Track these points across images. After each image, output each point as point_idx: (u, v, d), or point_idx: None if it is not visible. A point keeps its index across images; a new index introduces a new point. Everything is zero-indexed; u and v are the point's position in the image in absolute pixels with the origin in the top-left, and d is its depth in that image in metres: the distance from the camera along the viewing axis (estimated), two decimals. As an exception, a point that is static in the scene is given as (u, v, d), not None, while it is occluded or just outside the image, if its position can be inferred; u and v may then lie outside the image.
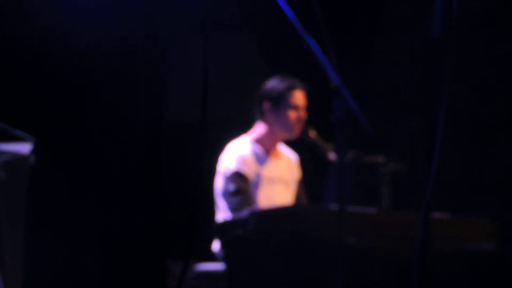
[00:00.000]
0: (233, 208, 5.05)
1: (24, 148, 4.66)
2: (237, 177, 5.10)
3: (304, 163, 5.43)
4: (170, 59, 6.56)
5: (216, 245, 5.14)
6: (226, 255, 4.61)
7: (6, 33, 5.90)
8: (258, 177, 5.17)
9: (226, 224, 4.67)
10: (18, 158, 4.61)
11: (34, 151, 4.65)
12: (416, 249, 3.37)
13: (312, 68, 3.81)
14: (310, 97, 5.25)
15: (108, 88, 6.32)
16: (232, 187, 5.09)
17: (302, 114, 5.22)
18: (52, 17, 6.01)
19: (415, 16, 6.67)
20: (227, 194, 5.11)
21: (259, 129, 5.28)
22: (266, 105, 5.25)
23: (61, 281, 6.01)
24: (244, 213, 4.54)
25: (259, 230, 4.35)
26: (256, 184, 5.16)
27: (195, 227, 6.09)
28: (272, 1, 3.77)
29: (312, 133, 5.16)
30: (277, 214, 4.49)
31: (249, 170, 5.14)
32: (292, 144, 5.38)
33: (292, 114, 5.20)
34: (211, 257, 5.18)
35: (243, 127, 5.34)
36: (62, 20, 6.03)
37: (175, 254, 6.10)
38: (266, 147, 5.26)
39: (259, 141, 5.26)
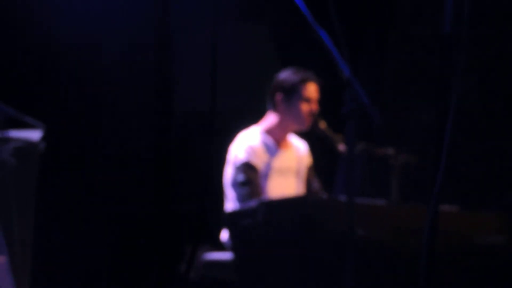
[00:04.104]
0: (242, 198, 5.06)
1: (34, 135, 4.67)
2: (247, 168, 5.11)
3: (314, 155, 5.44)
4: (181, 49, 6.55)
5: (225, 235, 5.15)
6: (235, 245, 4.62)
7: (26, 33, 5.92)
8: (268, 167, 5.18)
9: (235, 214, 4.68)
10: (28, 145, 4.62)
11: (44, 138, 4.66)
12: (425, 241, 3.38)
13: (323, 60, 3.80)
14: (320, 89, 5.26)
15: (120, 80, 6.33)
16: (241, 177, 5.10)
17: (314, 107, 5.23)
18: (70, 12, 6.03)
19: (429, 8, 6.66)
20: (236, 184, 5.12)
21: (270, 119, 5.29)
22: (279, 96, 5.25)
23: (70, 271, 6.03)
24: (253, 203, 4.54)
25: (267, 220, 4.36)
26: (266, 175, 5.17)
27: (205, 216, 6.11)
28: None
29: (322, 125, 5.16)
30: (286, 204, 4.50)
31: (259, 161, 5.15)
32: (302, 135, 5.39)
33: (304, 107, 5.20)
34: (220, 247, 5.19)
35: (254, 118, 5.35)
36: (77, 16, 6.04)
37: (184, 243, 6.11)
38: (276, 138, 5.26)
39: (269, 131, 5.26)
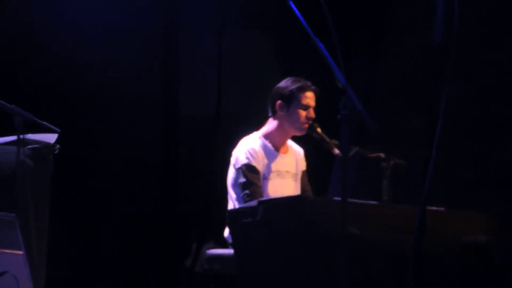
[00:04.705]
0: (243, 199, 5.07)
1: (50, 138, 4.69)
2: (248, 170, 5.11)
3: (311, 158, 5.44)
4: (187, 57, 6.56)
5: (227, 232, 5.16)
6: (236, 241, 4.63)
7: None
8: (268, 170, 5.18)
9: (236, 212, 4.68)
10: (44, 147, 4.64)
11: (59, 141, 4.68)
12: (414, 239, 3.40)
13: (321, 69, 3.82)
14: (317, 97, 5.26)
15: (130, 87, 6.34)
16: (242, 179, 5.11)
17: (312, 114, 5.23)
18: (85, 28, 6.06)
19: (419, 20, 6.67)
20: (238, 186, 5.13)
21: (270, 125, 5.30)
22: (278, 104, 5.25)
23: (82, 265, 6.03)
24: (253, 203, 4.54)
25: (266, 219, 4.35)
26: (265, 177, 5.17)
27: (209, 215, 6.11)
28: (286, 6, 3.80)
29: (319, 130, 5.17)
30: (283, 204, 4.49)
31: (259, 164, 5.15)
32: (299, 139, 5.39)
33: (302, 114, 5.21)
34: (223, 243, 5.20)
35: (255, 123, 5.36)
36: (91, 32, 6.06)
37: (190, 239, 6.12)
38: (275, 143, 5.27)
39: (269, 136, 5.27)
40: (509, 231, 5.25)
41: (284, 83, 5.28)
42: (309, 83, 5.25)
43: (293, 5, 3.80)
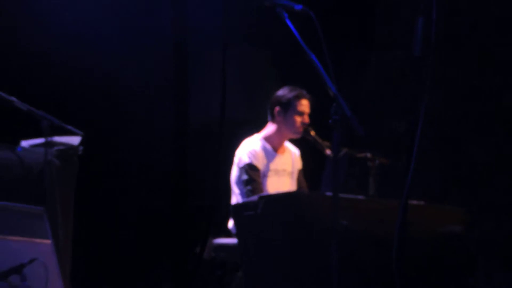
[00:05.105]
0: (245, 194, 5.05)
1: (74, 140, 4.67)
2: (249, 169, 5.10)
3: (305, 157, 5.43)
4: (195, 69, 6.55)
5: (231, 224, 5.14)
6: (239, 232, 4.61)
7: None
8: (267, 169, 5.17)
9: (239, 206, 4.66)
10: (69, 148, 4.62)
11: (82, 143, 4.66)
12: (397, 230, 3.37)
13: (314, 79, 3.80)
14: (311, 104, 5.25)
15: (145, 95, 6.33)
16: (245, 176, 5.09)
17: (306, 119, 5.21)
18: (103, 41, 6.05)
19: (401, 35, 6.65)
20: (240, 182, 5.12)
21: (269, 129, 5.28)
22: (277, 110, 5.24)
23: (103, 253, 6.02)
24: (254, 198, 4.53)
25: (266, 212, 4.34)
26: (265, 175, 5.16)
27: (215, 208, 6.10)
28: (283, 23, 3.78)
29: (312, 133, 5.15)
30: (281, 199, 4.47)
31: (259, 163, 5.14)
32: (295, 141, 5.38)
33: (298, 119, 5.19)
34: (227, 233, 5.19)
35: (256, 127, 5.35)
36: (108, 46, 6.05)
37: (198, 230, 6.11)
38: (274, 144, 5.26)
39: (268, 139, 5.26)
40: (480, 222, 5.24)
41: (282, 91, 5.27)
42: (304, 92, 5.24)
43: (289, 23, 3.79)
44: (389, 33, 6.87)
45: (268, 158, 5.19)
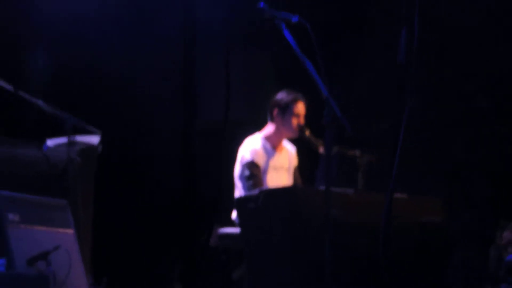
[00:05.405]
0: (247, 188, 5.05)
1: (94, 139, 4.68)
2: (251, 165, 5.09)
3: (301, 155, 5.43)
4: (202, 73, 6.54)
5: (234, 215, 5.16)
6: (241, 222, 4.62)
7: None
8: (267, 165, 5.16)
9: (242, 199, 4.66)
10: (89, 147, 4.63)
11: (101, 142, 4.68)
12: (383, 220, 3.41)
13: (308, 83, 3.82)
14: (307, 106, 5.25)
15: (155, 96, 6.32)
16: (247, 172, 5.09)
17: (302, 120, 5.19)
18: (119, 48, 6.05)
19: (387, 44, 6.64)
20: (243, 178, 5.12)
21: (269, 129, 5.27)
22: (275, 112, 5.22)
23: (121, 240, 6.02)
24: (255, 191, 4.53)
25: (266, 204, 4.35)
26: (265, 171, 5.15)
27: (220, 201, 6.08)
28: (280, 33, 3.80)
29: (307, 132, 5.15)
30: (279, 192, 4.47)
31: (260, 160, 5.14)
32: (292, 140, 5.38)
33: (295, 120, 5.17)
34: (231, 223, 5.20)
35: (257, 127, 5.35)
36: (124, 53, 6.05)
37: (205, 220, 6.10)
38: (273, 143, 5.25)
39: (268, 138, 5.25)
40: (456, 212, 5.25)
41: (280, 95, 5.25)
42: (300, 95, 5.22)
43: (287, 34, 3.80)
44: (376, 42, 6.87)
45: (267, 156, 5.19)
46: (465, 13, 6.57)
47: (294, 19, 3.83)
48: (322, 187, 3.96)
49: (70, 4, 5.89)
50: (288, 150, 5.36)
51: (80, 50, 5.89)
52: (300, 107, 5.20)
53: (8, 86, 4.40)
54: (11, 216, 3.92)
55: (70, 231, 4.22)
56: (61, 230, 4.17)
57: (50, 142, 4.57)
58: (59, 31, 5.89)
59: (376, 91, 6.77)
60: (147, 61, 6.22)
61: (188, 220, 6.29)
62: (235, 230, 5.03)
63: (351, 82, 6.86)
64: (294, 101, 5.18)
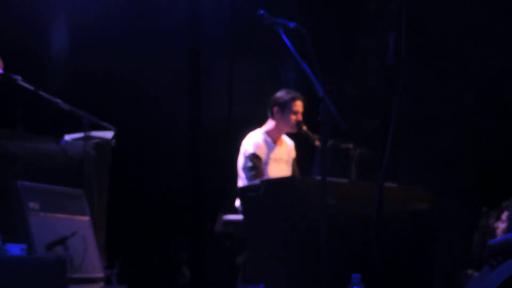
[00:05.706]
0: (249, 178, 5.04)
1: (108, 134, 4.66)
2: (253, 157, 5.09)
3: (298, 148, 5.41)
4: (207, 75, 6.51)
5: (238, 203, 5.14)
6: (244, 210, 4.61)
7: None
8: (268, 158, 5.15)
9: (244, 189, 4.66)
10: (104, 141, 4.61)
11: (115, 137, 4.65)
12: (375, 207, 3.37)
13: (305, 82, 3.79)
14: (304, 104, 5.23)
15: (164, 96, 6.30)
16: (249, 164, 5.08)
17: (300, 117, 5.17)
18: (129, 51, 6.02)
19: (378, 45, 6.62)
20: (246, 169, 5.10)
21: (269, 124, 5.26)
22: (275, 109, 5.21)
23: (133, 228, 6.00)
24: (257, 181, 4.53)
25: (267, 193, 4.34)
26: (266, 163, 5.14)
27: (224, 190, 6.06)
28: (278, 37, 3.78)
29: (304, 128, 5.14)
30: (279, 182, 4.48)
31: (262, 153, 5.12)
32: (290, 135, 5.37)
33: (293, 117, 5.15)
34: (235, 211, 5.18)
35: (258, 123, 5.33)
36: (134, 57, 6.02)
37: (210, 208, 6.08)
38: (273, 137, 5.24)
39: (269, 133, 5.24)
40: (442, 201, 5.22)
41: (279, 93, 5.23)
42: (298, 94, 5.21)
43: (285, 38, 3.79)
44: (367, 43, 6.84)
45: (268, 149, 5.18)
46: (454, 14, 6.54)
47: (292, 24, 3.82)
48: (318, 177, 3.95)
49: (81, 5, 5.87)
50: (287, 144, 5.34)
51: (96, 55, 5.86)
52: (298, 105, 5.18)
53: (30, 87, 4.39)
54: (31, 204, 3.91)
55: (86, 218, 4.21)
56: (77, 217, 4.16)
57: (68, 137, 4.56)
58: (78, 35, 5.86)
59: (367, 89, 6.75)
60: (155, 63, 6.19)
61: (195, 208, 6.27)
62: (239, 217, 5.01)
63: (345, 81, 6.83)
64: (292, 100, 5.17)
